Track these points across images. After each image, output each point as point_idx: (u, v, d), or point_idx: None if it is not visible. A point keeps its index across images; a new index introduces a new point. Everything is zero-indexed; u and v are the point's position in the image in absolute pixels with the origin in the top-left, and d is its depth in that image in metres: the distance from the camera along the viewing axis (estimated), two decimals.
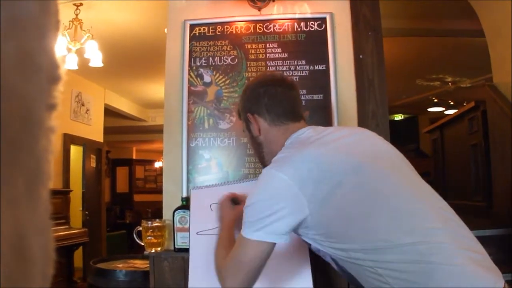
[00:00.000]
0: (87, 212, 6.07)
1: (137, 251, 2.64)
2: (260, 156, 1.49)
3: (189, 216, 1.85)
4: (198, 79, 2.19)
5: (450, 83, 6.69)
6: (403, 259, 1.04)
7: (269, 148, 1.42)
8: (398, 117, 8.86)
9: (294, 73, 2.14)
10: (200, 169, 2.12)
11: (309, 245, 1.26)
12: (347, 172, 1.15)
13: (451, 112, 6.52)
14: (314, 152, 1.21)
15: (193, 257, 1.72)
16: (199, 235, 1.75)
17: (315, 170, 1.15)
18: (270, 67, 2.17)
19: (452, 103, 7.48)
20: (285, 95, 1.43)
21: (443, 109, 7.85)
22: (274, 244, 1.17)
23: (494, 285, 1.01)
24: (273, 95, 1.42)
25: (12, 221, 0.27)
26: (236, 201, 1.59)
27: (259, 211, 1.18)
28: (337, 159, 1.19)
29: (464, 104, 4.13)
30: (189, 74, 2.20)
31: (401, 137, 7.42)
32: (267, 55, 2.18)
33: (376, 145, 1.31)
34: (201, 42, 2.23)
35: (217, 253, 1.37)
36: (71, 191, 5.46)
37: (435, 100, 7.57)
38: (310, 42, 2.18)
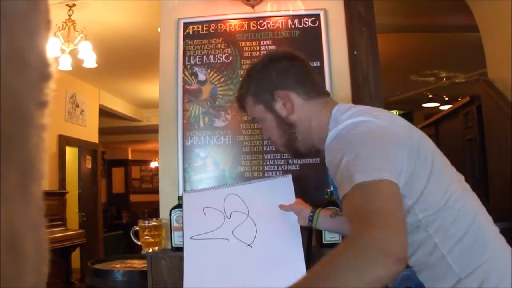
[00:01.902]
0: (83, 213, 6.07)
1: (134, 251, 2.63)
2: (289, 140, 1.25)
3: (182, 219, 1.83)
4: (193, 77, 2.19)
5: (444, 79, 6.71)
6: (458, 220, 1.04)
7: (305, 126, 1.22)
8: (393, 113, 8.86)
9: None
10: (196, 168, 2.12)
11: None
12: (420, 137, 1.12)
13: (446, 107, 6.55)
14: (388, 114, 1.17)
15: (187, 262, 1.70)
16: (192, 240, 1.73)
17: (400, 128, 1.09)
18: None
19: (446, 98, 7.50)
20: (310, 66, 1.30)
21: (438, 104, 7.86)
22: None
23: None
24: (300, 66, 1.27)
25: (5, 218, 0.27)
26: None
27: (371, 154, 0.97)
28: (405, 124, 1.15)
29: (459, 99, 4.14)
30: (183, 72, 2.19)
31: None
32: (262, 52, 2.17)
33: None
34: (195, 41, 2.22)
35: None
36: (67, 192, 5.45)
37: (430, 96, 7.58)
38: (304, 38, 2.18)
